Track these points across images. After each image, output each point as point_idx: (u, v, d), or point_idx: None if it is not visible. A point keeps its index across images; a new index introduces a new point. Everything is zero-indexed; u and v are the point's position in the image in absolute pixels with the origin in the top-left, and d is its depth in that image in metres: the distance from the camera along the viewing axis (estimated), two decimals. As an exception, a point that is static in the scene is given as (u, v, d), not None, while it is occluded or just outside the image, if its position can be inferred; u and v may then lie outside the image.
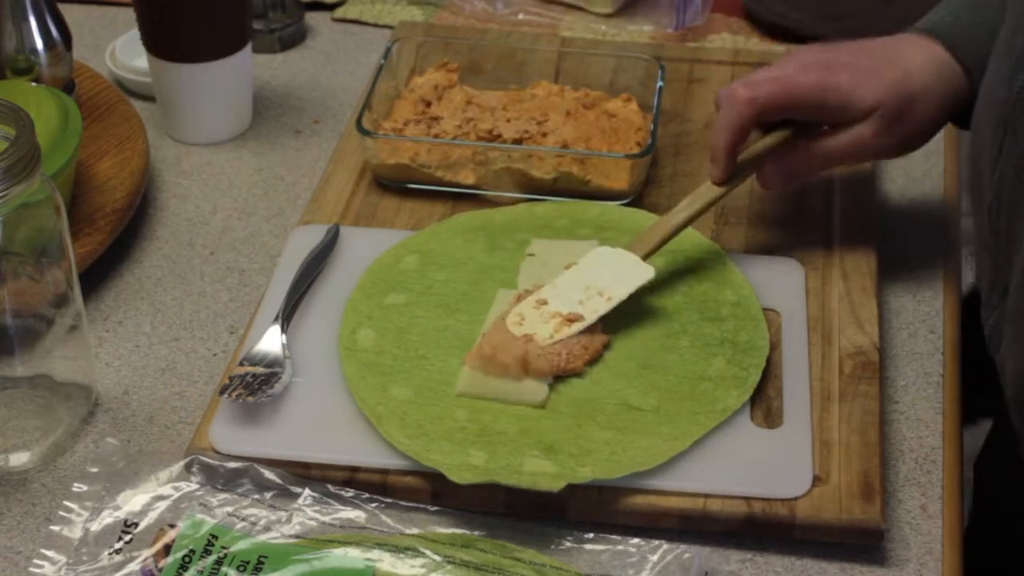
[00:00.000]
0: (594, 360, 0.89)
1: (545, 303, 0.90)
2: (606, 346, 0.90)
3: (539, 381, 0.86)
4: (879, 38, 0.96)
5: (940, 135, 1.03)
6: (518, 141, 1.05)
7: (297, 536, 0.79)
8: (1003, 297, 0.85)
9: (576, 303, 0.90)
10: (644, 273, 0.92)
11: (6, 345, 0.84)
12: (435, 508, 0.82)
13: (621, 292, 0.91)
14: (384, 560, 0.77)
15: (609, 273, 0.92)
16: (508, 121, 1.07)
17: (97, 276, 1.00)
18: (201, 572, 0.76)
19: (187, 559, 0.77)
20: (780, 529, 0.80)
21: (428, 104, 1.10)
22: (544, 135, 1.06)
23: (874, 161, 1.08)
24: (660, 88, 1.08)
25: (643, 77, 1.11)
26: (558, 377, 0.87)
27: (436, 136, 1.06)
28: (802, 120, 0.95)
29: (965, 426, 0.92)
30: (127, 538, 0.79)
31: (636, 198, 1.04)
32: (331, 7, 1.34)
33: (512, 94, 1.12)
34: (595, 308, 0.90)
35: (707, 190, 0.96)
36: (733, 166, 0.95)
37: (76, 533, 0.80)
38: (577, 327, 0.89)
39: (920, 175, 1.11)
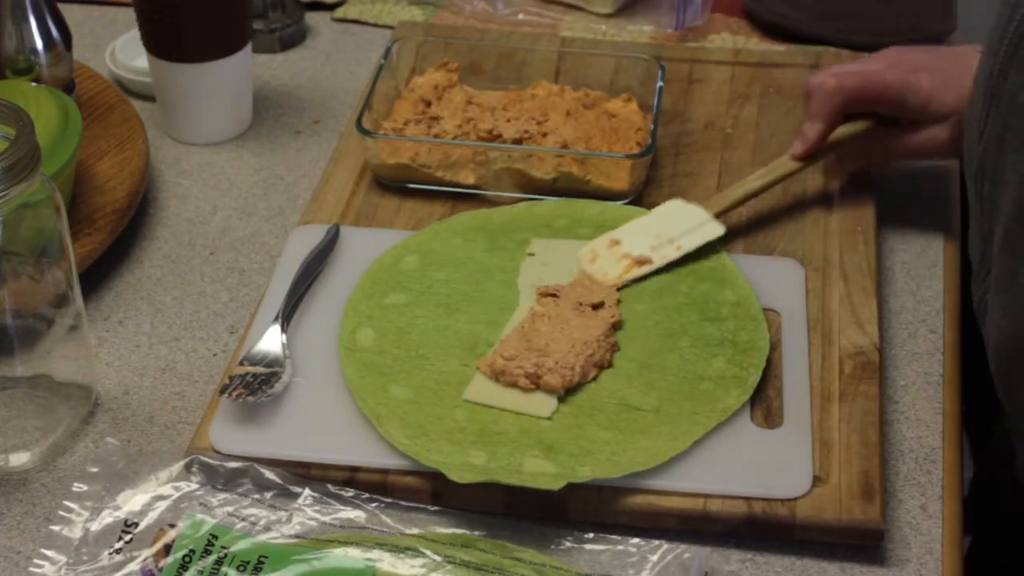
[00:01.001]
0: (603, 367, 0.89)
1: (618, 243, 0.95)
2: (616, 351, 0.90)
3: (549, 395, 0.86)
4: (962, 46, 1.01)
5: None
6: (518, 141, 1.05)
7: (297, 536, 0.79)
8: (991, 271, 0.86)
9: (648, 247, 0.95)
10: (714, 229, 0.97)
11: (6, 345, 0.84)
12: (435, 508, 0.82)
13: (691, 243, 0.96)
14: (384, 560, 0.77)
15: (681, 225, 0.97)
16: (508, 121, 1.07)
17: (97, 276, 1.00)
18: (201, 572, 0.77)
19: (187, 559, 0.77)
20: (780, 529, 0.80)
21: (428, 104, 1.10)
22: (544, 135, 1.06)
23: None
24: (660, 88, 1.08)
25: (643, 77, 1.11)
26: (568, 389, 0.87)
27: (436, 136, 1.06)
28: (884, 114, 1.01)
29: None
30: (127, 538, 0.79)
31: (636, 198, 1.04)
32: (331, 7, 1.34)
33: (512, 94, 1.12)
34: (664, 255, 0.95)
35: (785, 163, 1.02)
36: (819, 147, 1.02)
37: (76, 533, 0.80)
38: (645, 269, 0.94)
39: (920, 175, 1.11)
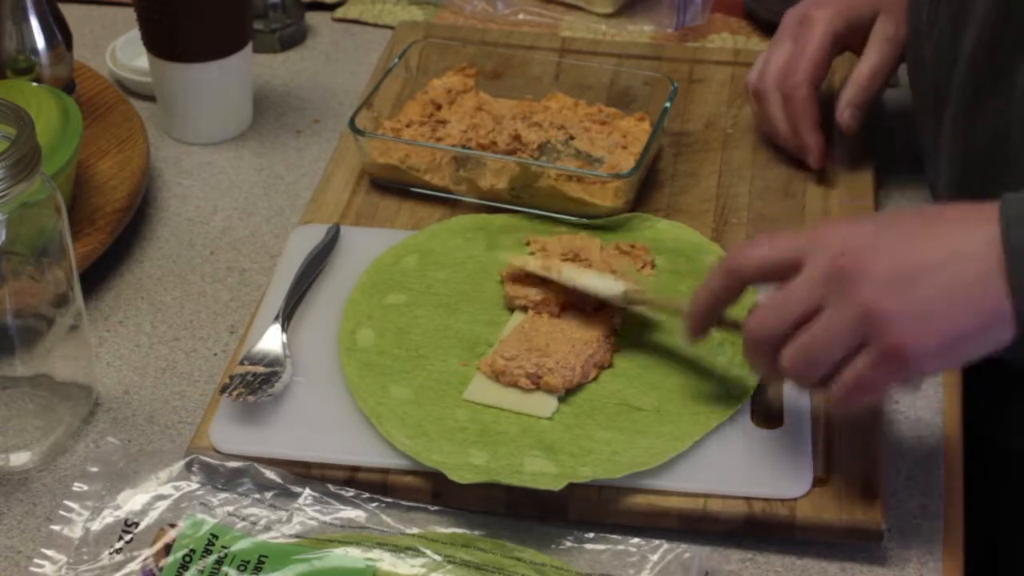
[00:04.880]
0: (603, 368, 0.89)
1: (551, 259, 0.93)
2: (616, 351, 0.90)
3: (550, 395, 0.86)
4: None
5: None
6: (541, 148, 1.05)
7: (297, 536, 0.79)
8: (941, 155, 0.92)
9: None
10: (612, 287, 0.90)
11: (6, 345, 0.84)
12: (435, 508, 0.82)
13: (587, 283, 0.91)
14: (384, 560, 0.77)
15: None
16: (529, 127, 1.07)
17: (97, 276, 1.00)
18: (201, 572, 0.77)
19: (187, 559, 0.77)
20: (780, 529, 0.80)
21: (438, 107, 1.10)
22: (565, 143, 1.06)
23: (874, 163, 1.09)
24: (666, 109, 1.06)
25: (654, 93, 1.09)
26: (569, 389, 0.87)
27: (439, 140, 1.06)
28: None
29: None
30: (127, 538, 0.79)
31: (636, 201, 1.03)
32: (331, 7, 1.34)
33: (526, 104, 1.11)
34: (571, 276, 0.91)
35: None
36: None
37: (76, 533, 0.80)
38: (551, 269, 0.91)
39: (920, 173, 1.11)
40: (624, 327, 0.91)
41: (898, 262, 0.72)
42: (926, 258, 0.72)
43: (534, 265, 0.92)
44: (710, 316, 0.82)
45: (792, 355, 0.75)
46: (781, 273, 0.76)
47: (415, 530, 0.80)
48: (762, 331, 0.76)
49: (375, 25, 1.32)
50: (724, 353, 0.89)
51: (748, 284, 0.80)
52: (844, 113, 1.05)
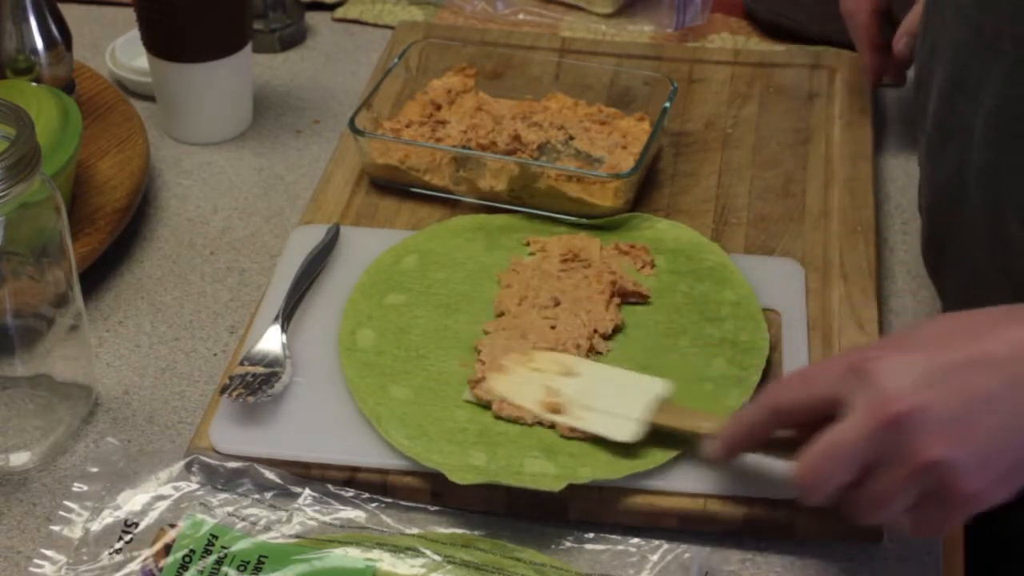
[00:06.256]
0: None
1: (561, 375, 0.86)
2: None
3: None
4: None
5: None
6: (540, 148, 1.05)
7: (297, 536, 0.79)
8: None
9: (573, 402, 0.84)
10: (625, 430, 0.82)
11: (6, 345, 0.84)
12: (435, 508, 0.82)
13: (594, 426, 0.83)
14: (384, 560, 0.77)
15: (621, 403, 0.84)
16: (529, 127, 1.07)
17: (97, 276, 1.00)
18: (201, 572, 0.77)
19: (187, 559, 0.77)
20: (780, 529, 0.80)
21: (438, 107, 1.10)
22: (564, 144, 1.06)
23: (874, 162, 1.09)
24: (666, 109, 1.06)
25: (654, 93, 1.09)
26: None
27: (439, 140, 1.06)
28: None
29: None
30: (127, 538, 0.79)
31: (636, 200, 1.04)
32: (331, 7, 1.34)
33: (526, 104, 1.11)
34: (571, 418, 0.84)
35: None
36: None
37: (76, 533, 0.80)
38: (555, 418, 0.84)
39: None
40: (624, 326, 0.91)
41: (953, 404, 0.68)
42: (982, 390, 0.68)
43: (533, 410, 0.84)
44: (742, 448, 0.78)
45: (854, 508, 0.72)
46: (823, 411, 0.72)
47: (415, 530, 0.80)
48: (816, 481, 0.72)
49: (375, 25, 1.32)
50: (724, 354, 0.89)
51: (787, 423, 0.76)
52: (900, 41, 1.11)
